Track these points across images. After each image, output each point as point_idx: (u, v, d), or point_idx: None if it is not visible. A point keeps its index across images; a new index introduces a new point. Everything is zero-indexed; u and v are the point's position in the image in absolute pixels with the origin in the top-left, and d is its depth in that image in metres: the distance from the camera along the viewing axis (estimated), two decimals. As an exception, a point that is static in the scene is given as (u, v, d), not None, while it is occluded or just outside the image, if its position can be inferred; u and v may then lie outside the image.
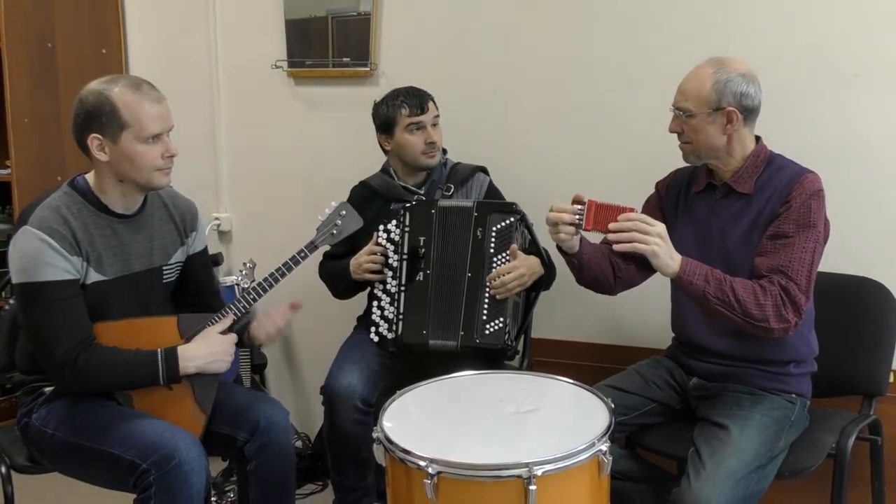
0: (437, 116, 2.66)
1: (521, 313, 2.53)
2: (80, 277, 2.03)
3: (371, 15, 3.07)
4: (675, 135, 2.18)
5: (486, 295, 2.42)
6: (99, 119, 2.00)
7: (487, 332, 2.42)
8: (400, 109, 2.61)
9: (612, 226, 2.04)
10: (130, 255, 2.13)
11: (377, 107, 2.69)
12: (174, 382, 2.08)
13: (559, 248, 2.21)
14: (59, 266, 1.98)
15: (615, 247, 2.06)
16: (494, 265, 2.43)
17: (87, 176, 2.12)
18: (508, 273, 2.40)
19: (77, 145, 2.07)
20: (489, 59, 2.95)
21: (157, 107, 2.04)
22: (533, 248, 2.50)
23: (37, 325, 2.00)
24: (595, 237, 2.26)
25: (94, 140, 2.02)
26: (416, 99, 2.62)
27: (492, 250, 2.44)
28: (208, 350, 2.10)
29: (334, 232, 2.22)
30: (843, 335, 2.33)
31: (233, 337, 2.16)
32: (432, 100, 2.67)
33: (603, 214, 2.06)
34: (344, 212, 2.24)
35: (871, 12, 2.46)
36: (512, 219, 2.45)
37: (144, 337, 2.07)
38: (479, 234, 2.45)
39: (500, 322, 2.41)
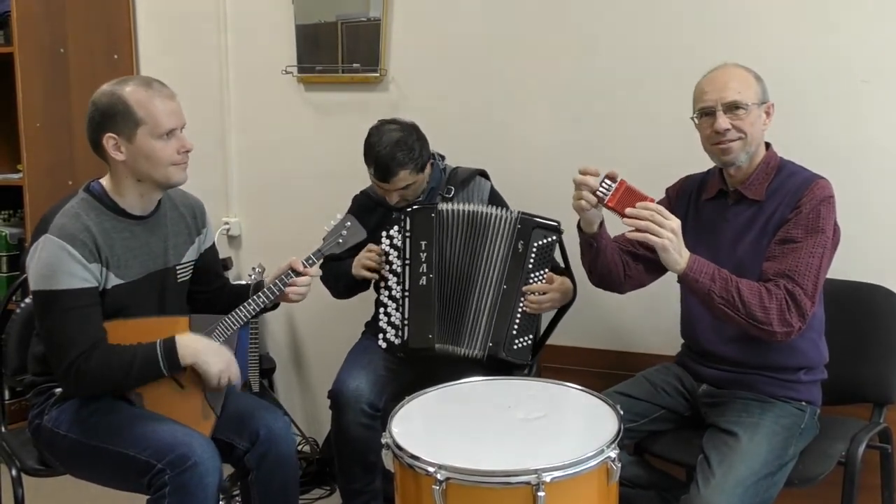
0: (413, 184, 2.52)
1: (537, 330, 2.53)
2: (98, 285, 2.03)
3: (381, 21, 3.08)
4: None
5: (520, 309, 2.42)
6: (113, 118, 2.02)
7: (516, 347, 2.41)
8: (369, 168, 2.55)
9: (628, 211, 2.00)
10: (149, 256, 2.14)
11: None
12: (175, 370, 2.06)
13: (578, 227, 2.20)
14: (78, 275, 1.99)
15: (627, 233, 2.05)
16: (531, 281, 2.43)
17: (101, 181, 2.13)
18: (544, 293, 2.40)
19: (92, 147, 2.08)
20: (498, 65, 2.95)
21: (170, 103, 2.06)
22: (561, 269, 2.49)
23: (52, 332, 2.01)
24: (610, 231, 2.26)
25: (109, 140, 2.03)
26: (382, 169, 2.49)
27: (530, 265, 2.43)
28: (205, 342, 2.10)
29: (340, 241, 2.26)
30: (853, 343, 2.32)
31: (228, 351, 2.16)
32: (410, 167, 2.48)
33: (628, 198, 2.02)
34: (349, 223, 2.28)
35: (881, 18, 2.46)
36: (554, 237, 2.44)
37: (156, 336, 2.07)
38: (520, 246, 2.42)
39: (528, 339, 2.41)
